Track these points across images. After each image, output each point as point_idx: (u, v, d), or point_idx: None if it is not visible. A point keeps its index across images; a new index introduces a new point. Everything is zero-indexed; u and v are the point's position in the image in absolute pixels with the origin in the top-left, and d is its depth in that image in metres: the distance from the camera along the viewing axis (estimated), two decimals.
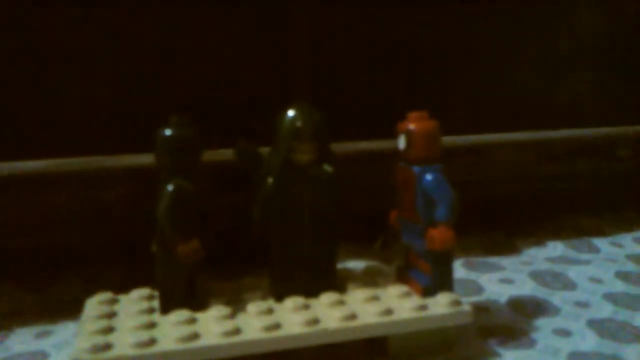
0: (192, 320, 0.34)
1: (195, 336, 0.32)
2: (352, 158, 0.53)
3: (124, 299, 0.38)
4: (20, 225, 0.47)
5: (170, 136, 0.34)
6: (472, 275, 0.49)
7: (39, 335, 0.40)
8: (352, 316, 0.35)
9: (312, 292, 0.37)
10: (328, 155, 0.37)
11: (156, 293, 0.36)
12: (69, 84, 0.47)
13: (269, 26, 0.51)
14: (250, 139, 0.38)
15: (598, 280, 0.48)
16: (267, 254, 0.38)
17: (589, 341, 0.39)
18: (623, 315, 0.42)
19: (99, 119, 0.48)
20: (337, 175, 0.37)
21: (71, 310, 0.41)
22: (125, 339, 0.32)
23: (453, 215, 0.36)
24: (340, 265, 0.40)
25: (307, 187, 0.37)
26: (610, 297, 0.45)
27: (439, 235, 0.36)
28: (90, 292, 0.38)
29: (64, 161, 0.47)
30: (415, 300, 0.37)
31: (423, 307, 0.36)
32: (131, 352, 0.31)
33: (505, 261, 0.53)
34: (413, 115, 0.38)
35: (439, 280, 0.38)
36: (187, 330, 0.33)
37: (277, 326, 0.34)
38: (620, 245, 0.57)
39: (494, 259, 0.53)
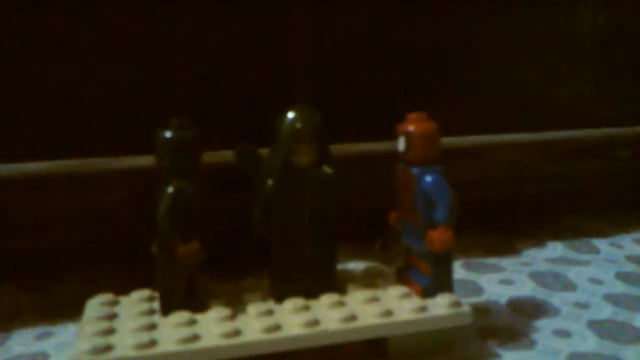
0: (192, 322, 0.34)
1: (195, 338, 0.33)
2: (351, 159, 0.53)
3: (124, 300, 0.38)
4: (21, 227, 0.47)
5: (171, 138, 0.34)
6: (472, 276, 0.49)
7: (40, 337, 0.40)
8: (352, 317, 0.35)
9: (312, 293, 0.37)
10: (328, 157, 0.37)
11: (156, 294, 0.36)
12: (69, 84, 0.47)
13: (269, 26, 0.51)
14: (250, 140, 0.38)
15: (598, 281, 0.48)
16: (267, 256, 0.38)
17: (589, 342, 0.39)
18: (623, 316, 0.42)
19: (99, 121, 0.48)
20: (336, 176, 0.37)
21: (71, 311, 0.41)
22: (125, 340, 0.32)
23: (452, 217, 0.36)
24: (340, 267, 0.40)
25: (307, 188, 0.37)
26: (610, 298, 0.45)
27: (439, 236, 0.36)
28: (90, 294, 0.38)
29: (64, 163, 0.47)
30: (415, 301, 0.37)
31: (423, 308, 0.36)
32: (132, 353, 0.31)
33: (505, 262, 0.53)
34: (412, 116, 0.38)
35: (438, 281, 0.38)
36: (187, 331, 0.33)
37: (277, 327, 0.34)
38: (620, 246, 0.57)
39: (493, 260, 0.53)
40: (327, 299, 0.37)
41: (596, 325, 0.41)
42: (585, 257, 0.54)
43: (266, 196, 0.36)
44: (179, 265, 0.34)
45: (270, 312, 0.35)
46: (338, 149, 0.38)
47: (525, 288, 0.47)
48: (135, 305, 0.37)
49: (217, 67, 0.50)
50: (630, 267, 0.51)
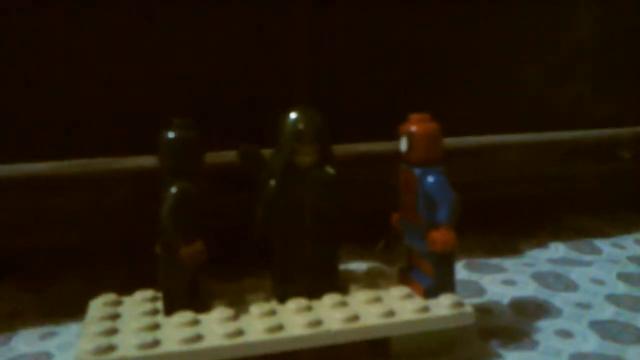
0: (195, 322, 0.34)
1: (198, 338, 0.32)
2: (353, 160, 0.53)
3: (127, 300, 0.38)
4: (23, 227, 0.47)
5: (173, 138, 0.34)
6: (474, 277, 0.49)
7: (43, 337, 0.40)
8: (355, 317, 0.35)
9: (314, 293, 0.37)
10: (330, 157, 0.37)
11: (160, 295, 0.36)
12: (69, 85, 0.47)
13: (269, 26, 0.51)
14: (250, 140, 0.38)
15: (600, 282, 0.48)
16: (269, 256, 0.38)
17: (591, 342, 0.39)
18: (625, 316, 0.42)
19: (99, 121, 0.48)
20: (338, 177, 0.37)
21: (74, 311, 0.41)
22: (128, 340, 0.32)
23: (454, 217, 0.36)
24: (342, 267, 0.40)
25: (309, 188, 0.37)
26: (612, 299, 0.45)
27: (441, 236, 0.36)
28: (93, 294, 0.38)
29: (66, 163, 0.47)
30: (417, 301, 0.37)
31: (425, 309, 0.36)
32: (135, 353, 0.31)
33: (507, 262, 0.53)
34: (414, 117, 0.38)
35: (440, 281, 0.38)
36: (190, 331, 0.33)
37: (279, 328, 0.34)
38: (622, 247, 0.57)
39: (495, 261, 0.53)
40: (329, 299, 0.37)
41: (598, 326, 0.41)
42: (587, 257, 0.54)
43: (268, 196, 0.36)
44: (182, 265, 0.34)
45: (273, 312, 0.35)
46: (339, 149, 0.38)
47: (527, 288, 0.47)
48: (138, 305, 0.37)
49: (218, 67, 0.50)
50: (632, 268, 0.51)
